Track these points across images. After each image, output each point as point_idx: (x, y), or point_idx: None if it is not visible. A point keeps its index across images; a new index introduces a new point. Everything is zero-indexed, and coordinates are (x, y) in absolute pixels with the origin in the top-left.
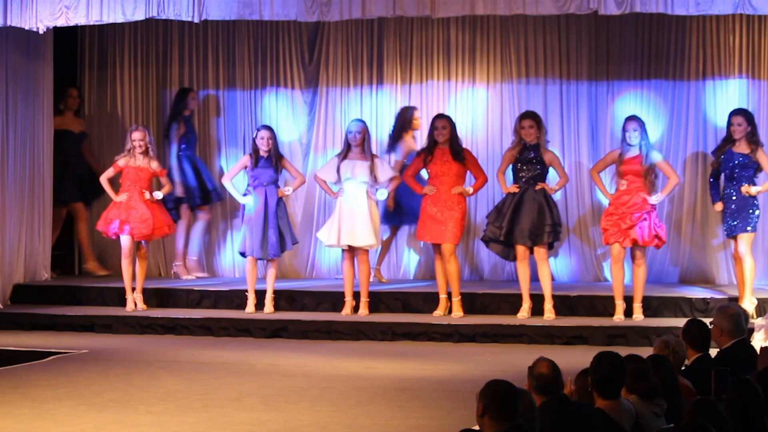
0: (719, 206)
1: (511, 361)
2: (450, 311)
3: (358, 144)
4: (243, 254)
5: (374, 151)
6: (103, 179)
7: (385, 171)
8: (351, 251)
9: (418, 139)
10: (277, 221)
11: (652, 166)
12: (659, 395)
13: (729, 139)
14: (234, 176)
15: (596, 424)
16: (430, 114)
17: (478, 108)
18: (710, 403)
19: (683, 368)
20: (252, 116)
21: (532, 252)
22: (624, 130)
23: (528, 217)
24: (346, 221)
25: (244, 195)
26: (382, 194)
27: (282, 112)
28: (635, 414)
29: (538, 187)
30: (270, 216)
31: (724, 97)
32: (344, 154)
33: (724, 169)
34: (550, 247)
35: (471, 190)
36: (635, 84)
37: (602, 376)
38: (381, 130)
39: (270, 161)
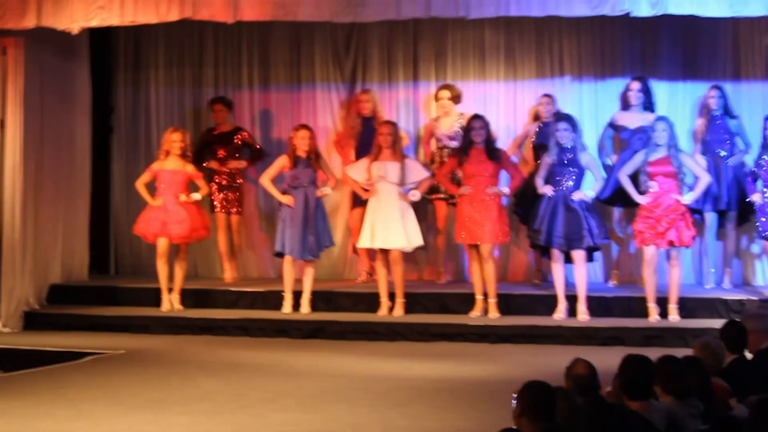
0: (757, 197)
1: (548, 361)
2: (486, 312)
3: (389, 145)
4: (279, 254)
5: (407, 152)
6: (139, 184)
7: (417, 172)
8: (384, 252)
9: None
10: (316, 222)
11: (681, 166)
12: (694, 396)
13: (765, 144)
14: (273, 177)
15: (633, 425)
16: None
17: (512, 108)
18: None
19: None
20: (287, 117)
21: (568, 255)
22: (652, 130)
23: (564, 224)
24: (379, 223)
25: (284, 194)
26: (415, 195)
27: (318, 112)
28: (667, 415)
29: (575, 197)
30: (309, 217)
31: (758, 98)
32: (375, 156)
33: (760, 174)
34: (591, 252)
35: (507, 190)
36: (669, 85)
37: (629, 378)
38: (417, 130)
39: (309, 161)
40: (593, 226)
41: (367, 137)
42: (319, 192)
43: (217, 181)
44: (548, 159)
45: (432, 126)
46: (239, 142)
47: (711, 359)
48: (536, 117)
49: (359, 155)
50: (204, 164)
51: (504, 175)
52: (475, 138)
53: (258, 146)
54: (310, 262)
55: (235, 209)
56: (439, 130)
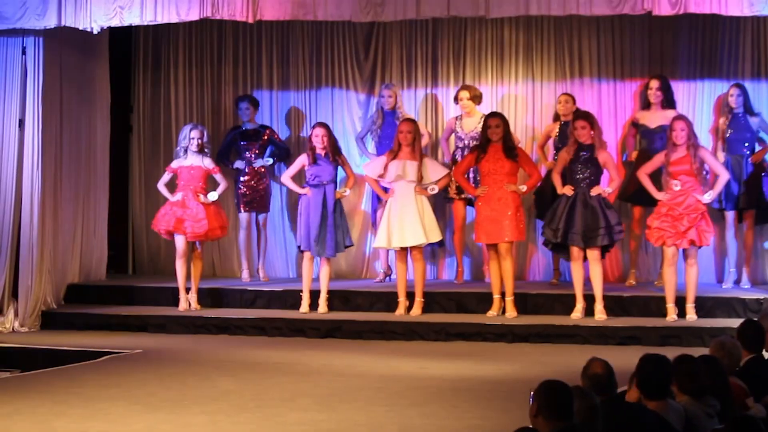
0: None
1: (565, 361)
2: (503, 311)
3: (408, 143)
4: (300, 248)
5: (427, 151)
6: (160, 185)
7: (435, 170)
8: (404, 250)
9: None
10: (335, 220)
11: (702, 163)
12: (710, 395)
13: None
14: (293, 175)
15: (651, 425)
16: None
17: (530, 107)
18: None
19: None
20: (306, 116)
21: (586, 253)
22: (671, 129)
23: (582, 219)
24: (395, 222)
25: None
26: (433, 189)
27: (337, 111)
28: (684, 414)
29: (593, 193)
30: (328, 214)
31: None
32: (394, 154)
33: None
34: (606, 249)
35: (524, 188)
36: (689, 84)
37: (647, 378)
38: (435, 130)
39: (328, 158)
40: (611, 223)
41: (389, 132)
42: (337, 193)
43: (242, 179)
44: (566, 154)
45: (452, 123)
46: (266, 141)
47: (727, 359)
48: (557, 116)
49: (379, 149)
50: (229, 162)
51: (522, 173)
52: (492, 136)
53: (284, 145)
54: (326, 260)
55: (260, 208)
56: (462, 130)
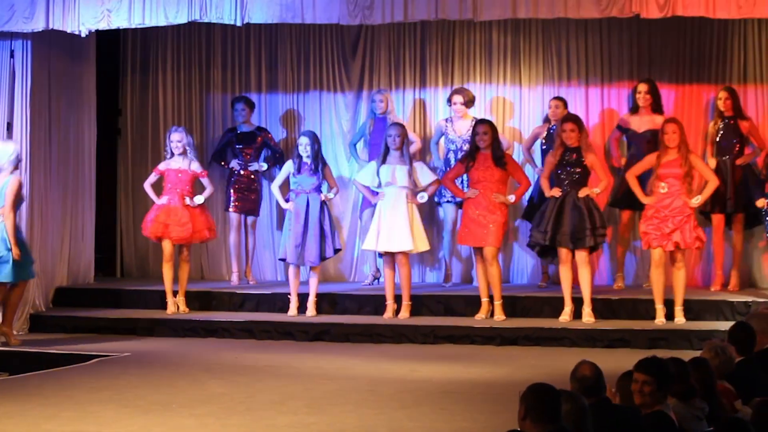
0: (761, 202)
1: (553, 364)
2: (492, 314)
3: (397, 148)
4: (283, 260)
5: (416, 156)
6: (146, 185)
7: (425, 175)
8: (391, 254)
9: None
10: (320, 229)
11: (691, 168)
12: (698, 397)
13: None
14: (280, 183)
15: (640, 427)
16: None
17: (518, 111)
18: None
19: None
20: (294, 119)
21: (574, 255)
22: (663, 132)
23: (569, 220)
24: (385, 226)
25: (287, 200)
26: (423, 197)
27: (324, 115)
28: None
29: (581, 194)
30: (311, 224)
31: (767, 100)
32: (383, 158)
33: None
34: (593, 250)
35: (513, 199)
36: (677, 87)
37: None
38: (423, 133)
39: (312, 168)
40: (596, 225)
41: (379, 137)
42: (322, 196)
43: (235, 181)
44: (552, 158)
45: (442, 125)
46: (260, 143)
47: (721, 362)
48: (547, 119)
49: (371, 154)
50: (223, 163)
51: (512, 181)
52: (480, 143)
53: (279, 149)
54: (313, 267)
55: (250, 211)
56: (454, 133)
